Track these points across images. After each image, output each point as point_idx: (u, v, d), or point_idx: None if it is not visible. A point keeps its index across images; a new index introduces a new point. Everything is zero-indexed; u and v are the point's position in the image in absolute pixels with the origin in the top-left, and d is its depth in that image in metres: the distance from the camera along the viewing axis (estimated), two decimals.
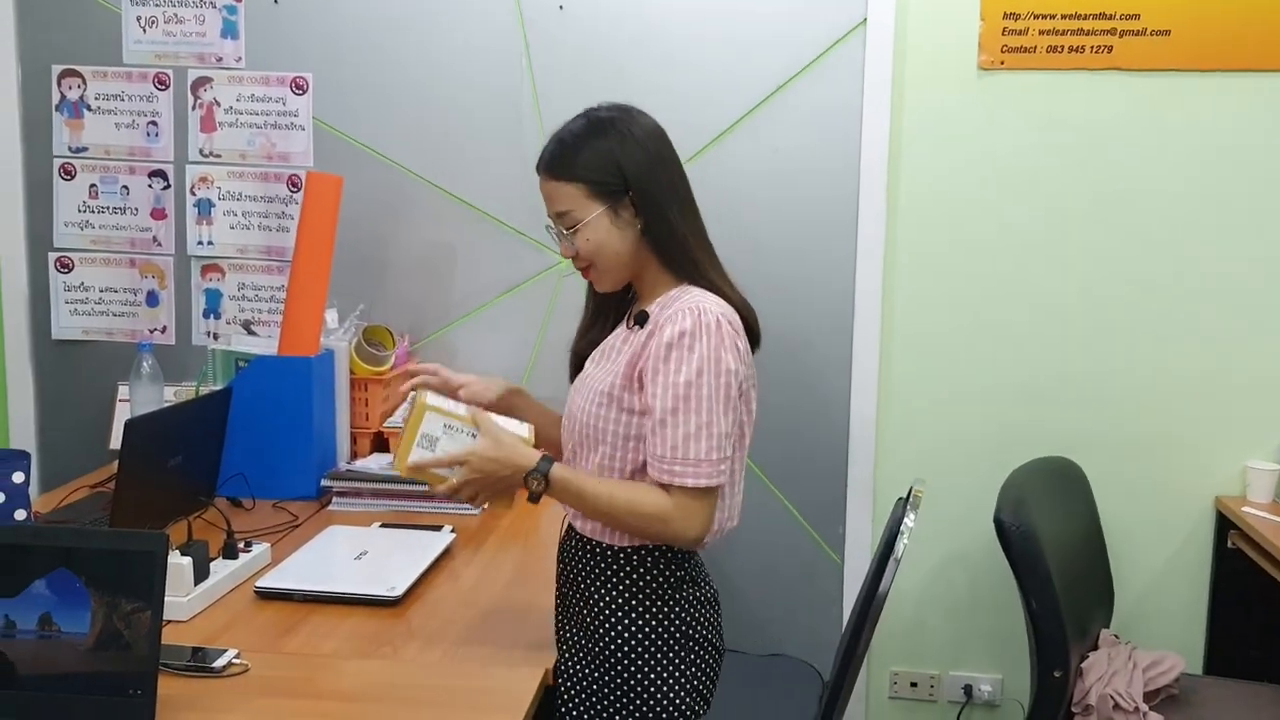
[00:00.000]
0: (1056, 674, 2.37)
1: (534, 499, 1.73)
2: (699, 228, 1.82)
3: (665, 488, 1.70)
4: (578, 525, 1.84)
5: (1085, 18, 2.72)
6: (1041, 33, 2.74)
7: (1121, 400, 2.86)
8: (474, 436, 1.73)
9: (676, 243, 1.77)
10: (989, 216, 2.84)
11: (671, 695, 1.78)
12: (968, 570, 2.96)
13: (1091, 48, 2.74)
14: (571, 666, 1.83)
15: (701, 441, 1.68)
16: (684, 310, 1.70)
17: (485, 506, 1.89)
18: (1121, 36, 2.73)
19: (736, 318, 1.75)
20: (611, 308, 1.90)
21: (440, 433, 1.74)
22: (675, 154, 1.81)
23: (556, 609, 1.91)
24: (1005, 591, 2.71)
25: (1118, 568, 2.82)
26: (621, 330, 1.84)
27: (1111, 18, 2.72)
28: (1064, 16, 2.73)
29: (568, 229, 1.77)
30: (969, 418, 2.91)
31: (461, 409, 1.78)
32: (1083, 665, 2.51)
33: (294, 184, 2.99)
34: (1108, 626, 2.73)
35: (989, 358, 2.89)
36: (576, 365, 1.92)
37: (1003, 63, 2.77)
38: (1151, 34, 2.72)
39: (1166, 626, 2.90)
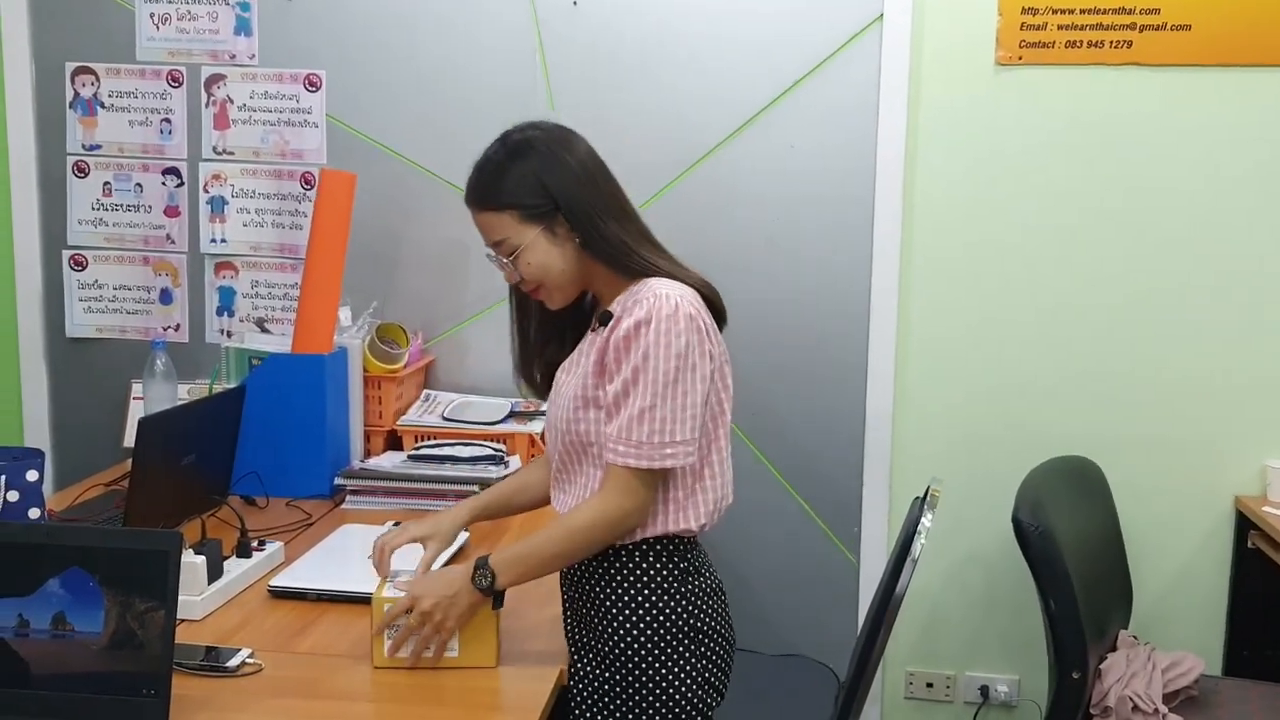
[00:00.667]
0: (1075, 675, 2.35)
1: (494, 598, 1.73)
2: (636, 224, 1.80)
3: (612, 470, 1.70)
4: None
5: (1104, 12, 2.70)
6: (1060, 27, 2.72)
7: (1140, 399, 2.83)
8: None
9: (617, 248, 1.75)
10: (1006, 214, 2.82)
11: (683, 689, 1.77)
12: (985, 570, 2.94)
13: (1111, 42, 2.71)
14: (582, 668, 1.82)
15: (644, 424, 1.67)
16: (641, 300, 1.70)
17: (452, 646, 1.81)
18: (1141, 31, 2.70)
19: (696, 297, 1.74)
20: (565, 320, 1.88)
21: (404, 618, 1.73)
22: (596, 158, 1.79)
23: (564, 612, 1.90)
24: (1023, 592, 2.69)
25: (1136, 568, 2.79)
26: (588, 336, 1.83)
27: (1131, 12, 2.69)
28: (1083, 11, 2.71)
29: (507, 256, 1.76)
30: (986, 417, 2.89)
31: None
32: (1101, 666, 2.49)
33: (307, 181, 2.98)
34: (1126, 627, 2.70)
35: (1006, 356, 2.86)
36: (546, 384, 1.91)
37: (1021, 58, 2.75)
38: (1172, 28, 2.69)
39: (1186, 627, 2.88)
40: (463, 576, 1.72)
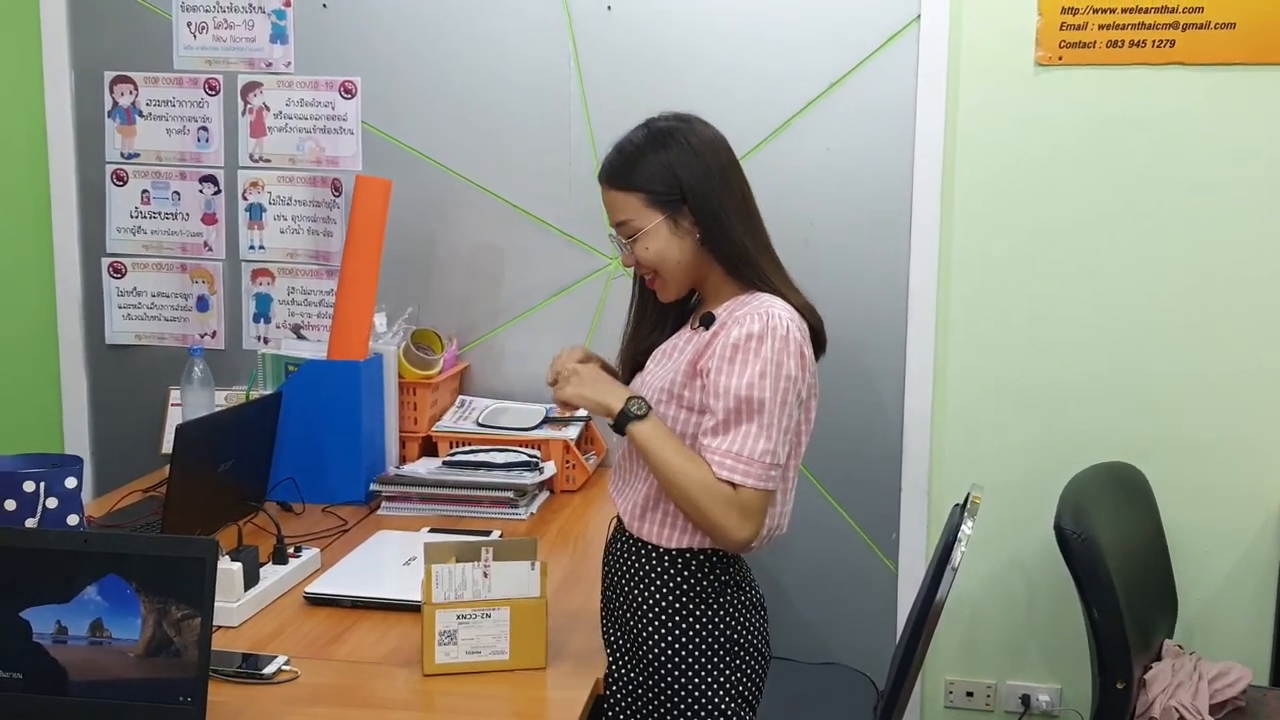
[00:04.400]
0: (1119, 685, 2.32)
1: (623, 418, 1.73)
2: (760, 235, 1.82)
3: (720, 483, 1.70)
4: (630, 525, 1.83)
5: (1146, 11, 2.66)
6: (1101, 27, 2.68)
7: (1183, 402, 2.79)
8: (489, 616, 1.75)
9: (737, 250, 1.77)
10: (1046, 215, 2.78)
11: (717, 701, 1.77)
12: (1026, 578, 2.90)
13: (1153, 42, 2.67)
14: (617, 671, 1.82)
15: (759, 443, 1.68)
16: (753, 314, 1.71)
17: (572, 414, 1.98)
18: (1184, 30, 2.66)
19: (804, 324, 1.75)
20: (670, 311, 1.90)
21: (455, 624, 1.75)
22: (735, 162, 1.82)
23: (602, 613, 1.91)
24: (1064, 600, 2.65)
25: (1181, 575, 2.75)
26: (685, 331, 1.84)
27: (1174, 11, 2.65)
28: (1124, 10, 2.67)
29: (627, 238, 1.79)
30: (1026, 421, 2.85)
31: (468, 587, 1.76)
32: (1146, 676, 2.45)
33: (336, 188, 2.99)
34: (1171, 636, 2.66)
35: (1046, 359, 2.83)
36: (633, 367, 1.91)
37: (1061, 58, 2.72)
38: (1215, 27, 2.65)
39: (1232, 636, 2.83)
40: (622, 390, 1.77)
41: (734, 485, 1.69)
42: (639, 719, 1.79)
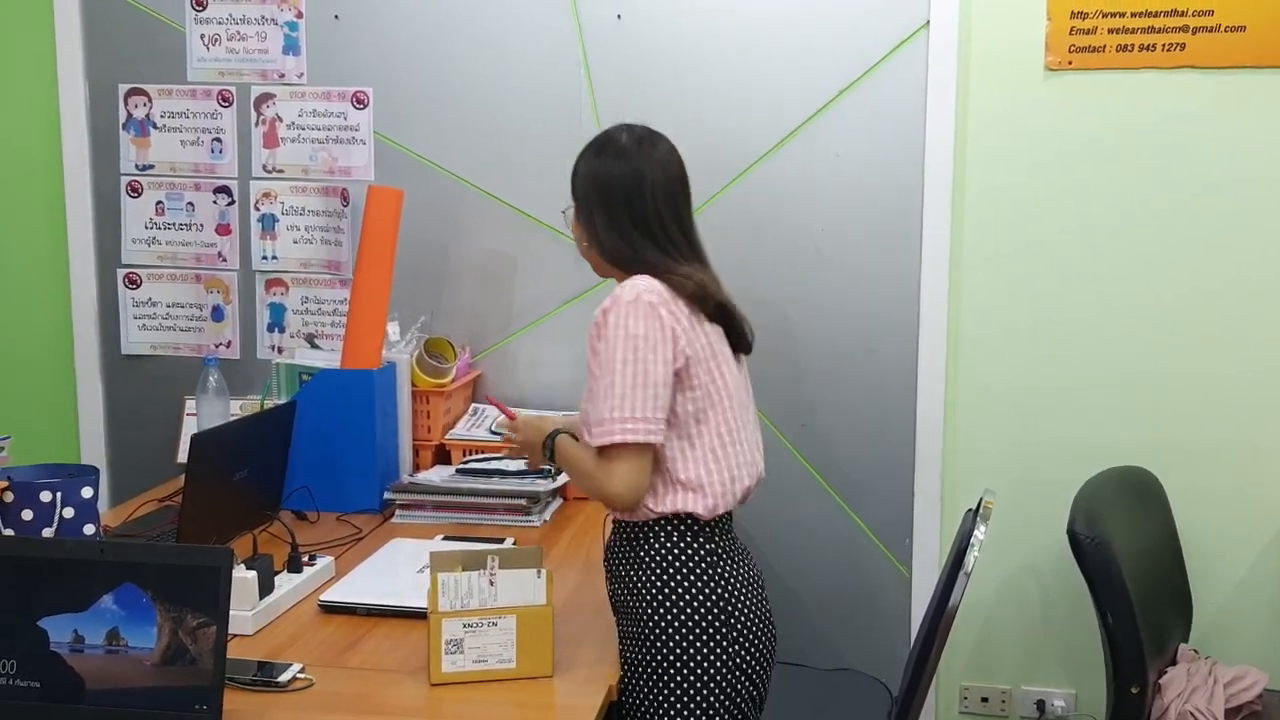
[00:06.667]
0: (1134, 690, 2.31)
1: (554, 466, 2.00)
2: (653, 238, 1.92)
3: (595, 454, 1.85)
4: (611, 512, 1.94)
5: (1156, 15, 2.66)
6: (1111, 31, 2.68)
7: (1197, 406, 2.78)
8: (495, 624, 1.78)
9: (609, 245, 1.94)
10: (1057, 220, 2.78)
11: (712, 671, 1.83)
12: (1040, 583, 2.90)
13: (1163, 46, 2.67)
14: (625, 653, 1.88)
15: (607, 403, 1.79)
16: (609, 293, 1.86)
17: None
18: (1195, 33, 2.66)
19: (662, 290, 1.84)
20: None
21: (462, 633, 1.76)
22: (643, 170, 1.92)
23: (612, 607, 1.97)
24: (1079, 604, 2.64)
25: (1195, 579, 2.74)
26: None
27: (1184, 14, 2.65)
28: (1134, 14, 2.66)
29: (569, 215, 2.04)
30: (1039, 426, 2.84)
31: (475, 596, 1.79)
32: (1161, 681, 2.45)
33: (345, 198, 3.00)
34: (1186, 640, 2.65)
35: (1058, 364, 2.82)
36: None
37: (1071, 63, 2.72)
38: (1226, 30, 2.64)
39: (1248, 640, 2.81)
40: (541, 436, 1.97)
41: (602, 449, 1.81)
42: (643, 694, 1.84)
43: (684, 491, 1.86)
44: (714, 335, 1.91)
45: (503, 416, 2.23)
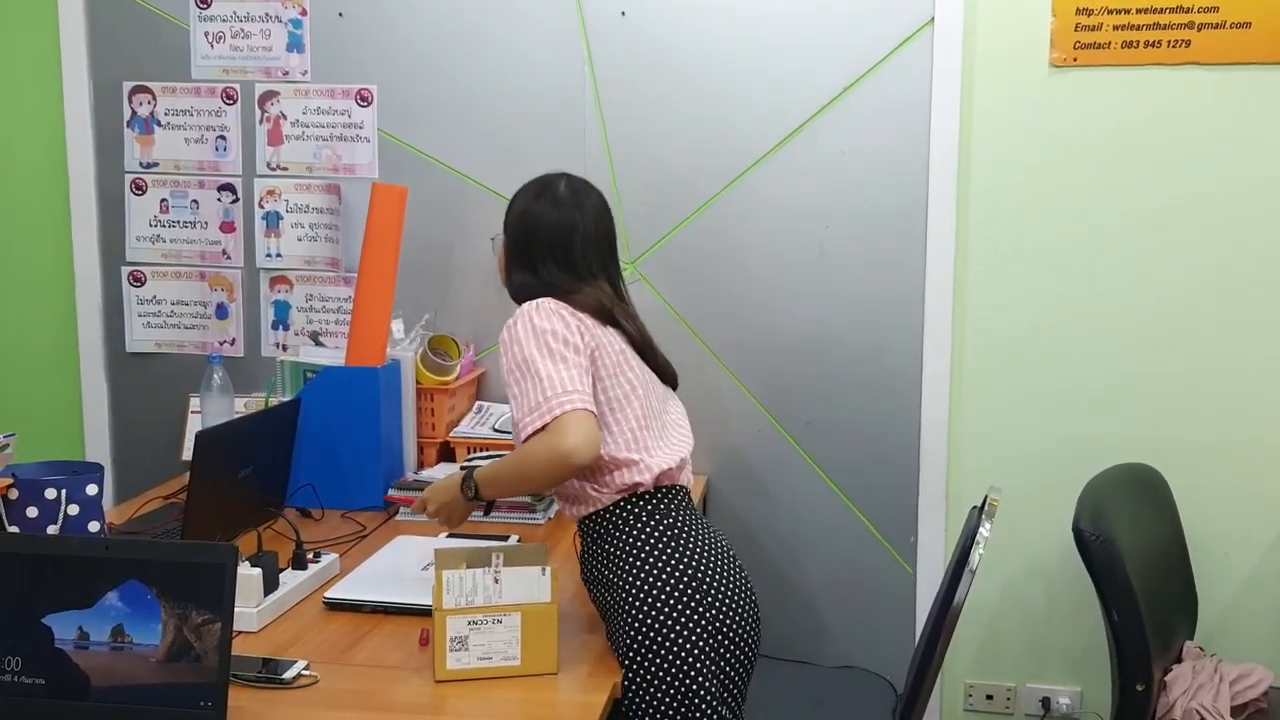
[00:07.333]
0: (1139, 687, 2.31)
1: (482, 503, 2.02)
2: (552, 267, 2.05)
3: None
4: (568, 512, 2.03)
5: (1161, 11, 2.65)
6: (1116, 28, 2.68)
7: (1202, 403, 2.78)
8: (500, 622, 1.79)
9: (518, 287, 2.08)
10: (1063, 217, 2.78)
11: (689, 645, 1.85)
12: (1045, 580, 2.89)
13: (1168, 42, 2.67)
14: (617, 650, 1.89)
15: (531, 391, 1.86)
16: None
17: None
18: (1200, 30, 2.65)
19: (558, 303, 1.97)
20: None
21: (467, 630, 1.77)
22: (576, 225, 2.06)
23: (600, 613, 1.99)
24: (1084, 602, 2.64)
25: (1201, 577, 2.73)
26: None
27: (1189, 10, 2.64)
28: (1139, 10, 2.66)
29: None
30: (1044, 423, 2.84)
31: (479, 593, 1.79)
32: (1166, 678, 2.44)
33: (337, 194, 3.03)
34: (1191, 638, 2.65)
35: (1064, 361, 2.82)
36: None
37: (1075, 60, 2.71)
38: (1231, 26, 2.64)
39: (1253, 638, 2.81)
40: (456, 486, 2.00)
41: (538, 431, 1.84)
42: (635, 683, 1.85)
43: (621, 469, 1.94)
44: (619, 338, 2.02)
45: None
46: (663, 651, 1.84)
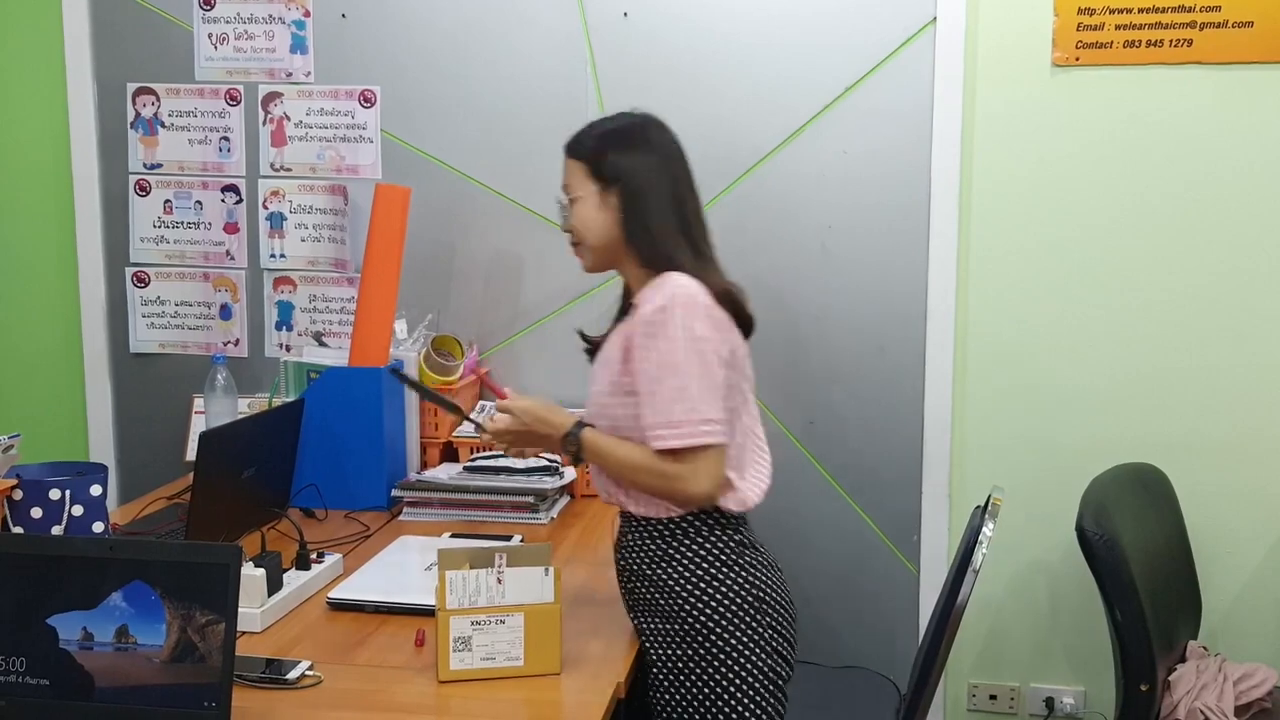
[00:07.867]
0: (1143, 687, 2.31)
1: (575, 461, 1.93)
2: (683, 229, 1.90)
3: (660, 454, 1.79)
4: (631, 509, 1.91)
5: (1164, 10, 2.65)
6: (1118, 27, 2.68)
7: (1205, 402, 2.77)
8: (503, 622, 1.77)
9: (649, 238, 1.88)
10: (1065, 216, 2.78)
11: (754, 658, 1.84)
12: (1048, 580, 2.89)
13: (1170, 41, 2.67)
14: (656, 653, 1.88)
15: (682, 404, 1.77)
16: (657, 290, 1.81)
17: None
18: (1202, 29, 2.65)
19: (708, 294, 1.82)
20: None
21: (470, 631, 1.76)
22: (677, 166, 1.92)
23: (626, 607, 1.96)
24: (1088, 602, 2.64)
25: (1205, 576, 2.73)
26: (617, 325, 1.96)
27: (1191, 10, 2.64)
28: (1141, 10, 2.66)
29: (567, 202, 1.95)
30: (1047, 423, 2.84)
31: (482, 593, 1.78)
32: (1170, 678, 2.44)
33: (345, 195, 3.02)
34: (1195, 638, 2.65)
35: (1067, 360, 2.82)
36: (592, 354, 2.05)
37: (1078, 59, 2.71)
38: (1233, 26, 2.64)
39: (1257, 637, 2.81)
40: (556, 427, 1.89)
41: (673, 451, 1.77)
42: (683, 691, 1.84)
43: (733, 490, 1.87)
44: (738, 333, 1.90)
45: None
46: (723, 669, 1.83)
